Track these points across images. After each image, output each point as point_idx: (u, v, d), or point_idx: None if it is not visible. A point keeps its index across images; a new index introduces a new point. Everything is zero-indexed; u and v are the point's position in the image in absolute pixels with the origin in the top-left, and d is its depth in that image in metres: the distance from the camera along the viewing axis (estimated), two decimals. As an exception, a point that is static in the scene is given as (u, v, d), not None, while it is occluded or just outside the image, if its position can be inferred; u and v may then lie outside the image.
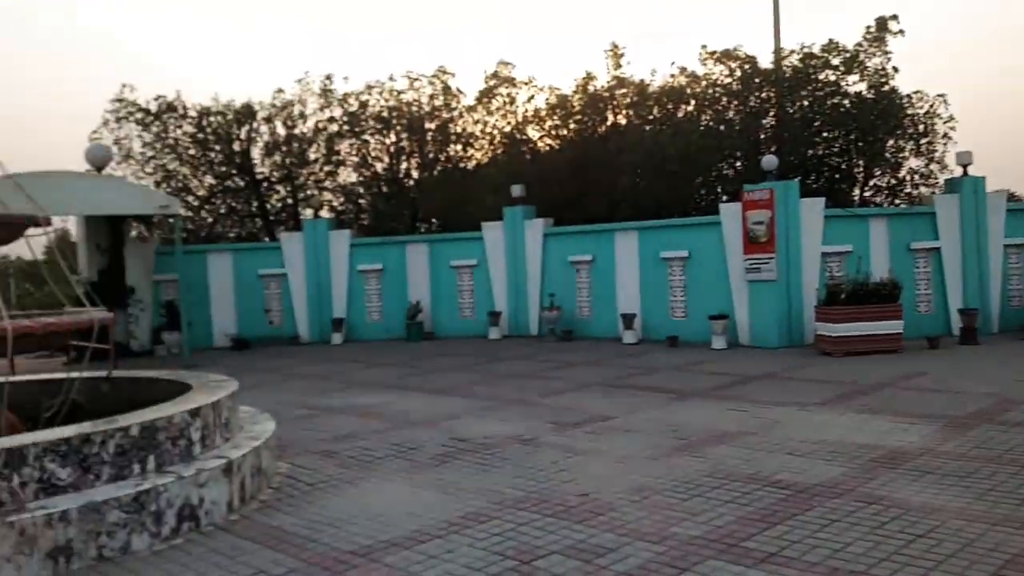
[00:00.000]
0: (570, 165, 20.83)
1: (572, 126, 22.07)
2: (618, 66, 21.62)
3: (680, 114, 20.69)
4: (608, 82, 21.69)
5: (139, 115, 21.69)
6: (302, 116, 22.67)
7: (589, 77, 21.91)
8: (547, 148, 22.70)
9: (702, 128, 19.71)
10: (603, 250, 17.19)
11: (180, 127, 22.09)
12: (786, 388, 10.32)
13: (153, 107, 21.77)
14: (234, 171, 22.63)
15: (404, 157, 23.16)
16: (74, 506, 4.85)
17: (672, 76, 21.43)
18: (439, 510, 5.68)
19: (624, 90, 21.47)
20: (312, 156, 22.91)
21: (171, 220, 18.05)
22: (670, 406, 9.33)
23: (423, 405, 10.04)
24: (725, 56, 20.37)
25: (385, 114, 22.71)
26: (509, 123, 23.27)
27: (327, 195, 23.66)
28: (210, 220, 23.26)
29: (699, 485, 6.03)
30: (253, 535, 5.33)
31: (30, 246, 7.15)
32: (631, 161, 19.64)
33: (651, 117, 20.88)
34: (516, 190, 18.50)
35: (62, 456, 5.04)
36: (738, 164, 20.21)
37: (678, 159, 19.19)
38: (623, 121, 21.52)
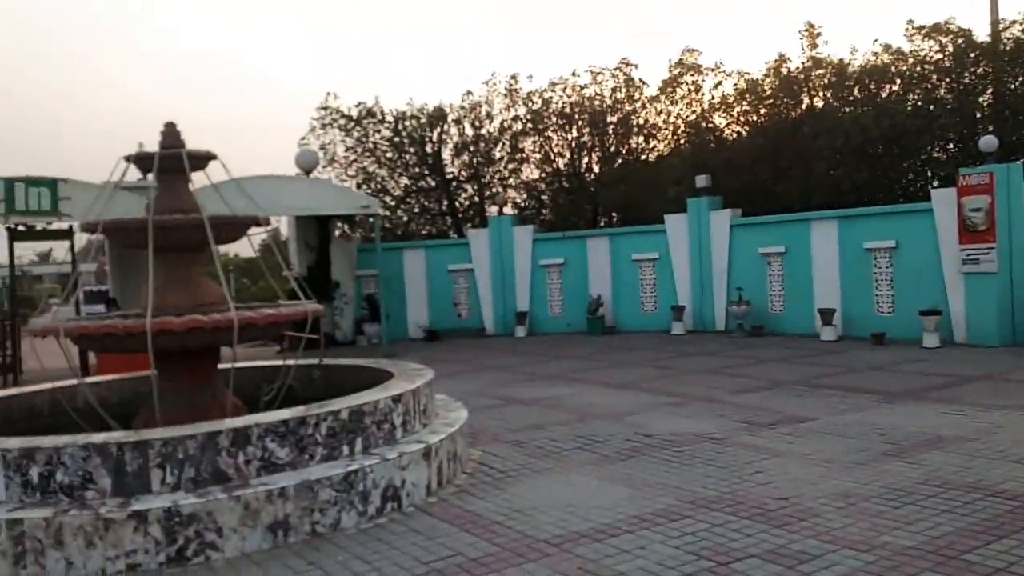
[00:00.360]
0: (760, 152, 19.97)
1: (763, 111, 21.13)
2: (814, 46, 20.42)
3: (884, 94, 19.24)
4: (803, 63, 20.56)
5: (342, 121, 23.23)
6: (488, 116, 23.35)
7: (782, 59, 20.85)
8: (735, 135, 21.90)
9: (909, 108, 18.21)
10: (798, 240, 16.32)
11: (378, 131, 23.44)
12: (1008, 390, 9.35)
13: (354, 113, 23.22)
14: (426, 172, 23.71)
15: (585, 152, 23.25)
16: (291, 483, 5.25)
17: (875, 54, 19.98)
18: (628, 505, 5.64)
19: (821, 71, 20.25)
20: (497, 155, 23.55)
21: (371, 219, 19.19)
22: (876, 408, 8.71)
23: (606, 399, 10.02)
24: (935, 31, 18.69)
25: (567, 110, 22.89)
26: (694, 112, 22.68)
27: (511, 192, 24.25)
28: (405, 219, 24.55)
29: (911, 493, 5.59)
30: (450, 518, 5.55)
31: (251, 244, 7.87)
32: (829, 145, 18.52)
33: (851, 98, 19.54)
34: (701, 180, 17.99)
35: (281, 436, 5.48)
36: (951, 146, 18.52)
37: (882, 141, 17.88)
38: (819, 103, 20.33)
